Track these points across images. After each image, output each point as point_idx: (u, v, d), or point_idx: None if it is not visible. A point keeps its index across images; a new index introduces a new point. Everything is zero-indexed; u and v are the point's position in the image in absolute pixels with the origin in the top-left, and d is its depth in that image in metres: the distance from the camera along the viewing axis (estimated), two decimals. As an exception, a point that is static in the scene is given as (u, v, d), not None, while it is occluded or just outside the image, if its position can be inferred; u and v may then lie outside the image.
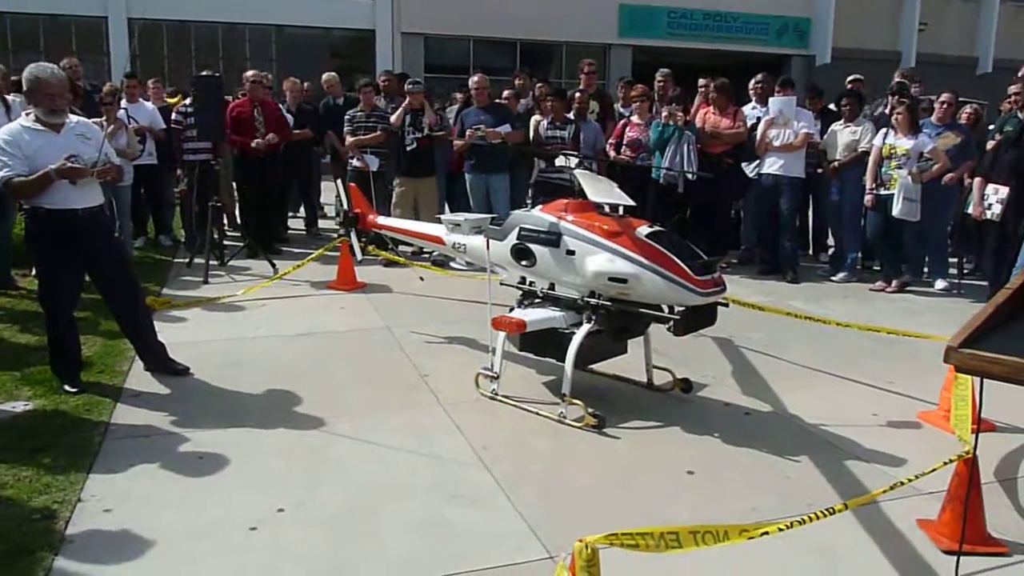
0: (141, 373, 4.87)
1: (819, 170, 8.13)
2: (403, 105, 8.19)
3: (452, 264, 7.66)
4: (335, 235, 8.33)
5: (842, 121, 7.93)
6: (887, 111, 8.14)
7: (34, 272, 5.50)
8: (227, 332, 5.83)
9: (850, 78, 9.05)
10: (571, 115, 8.03)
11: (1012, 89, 8.07)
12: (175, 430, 4.08)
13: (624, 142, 8.18)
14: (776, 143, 7.82)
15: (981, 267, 8.03)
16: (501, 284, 4.90)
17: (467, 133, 7.91)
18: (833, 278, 7.98)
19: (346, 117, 8.49)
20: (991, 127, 8.27)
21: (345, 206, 6.17)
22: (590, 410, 4.14)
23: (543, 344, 4.50)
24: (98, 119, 6.39)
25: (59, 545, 2.98)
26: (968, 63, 23.55)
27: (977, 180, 6.95)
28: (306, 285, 7.29)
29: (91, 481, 3.49)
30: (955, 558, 2.73)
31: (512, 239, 4.57)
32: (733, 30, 22.52)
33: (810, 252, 9.11)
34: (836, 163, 7.84)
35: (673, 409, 4.46)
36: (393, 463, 3.75)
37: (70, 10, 18.62)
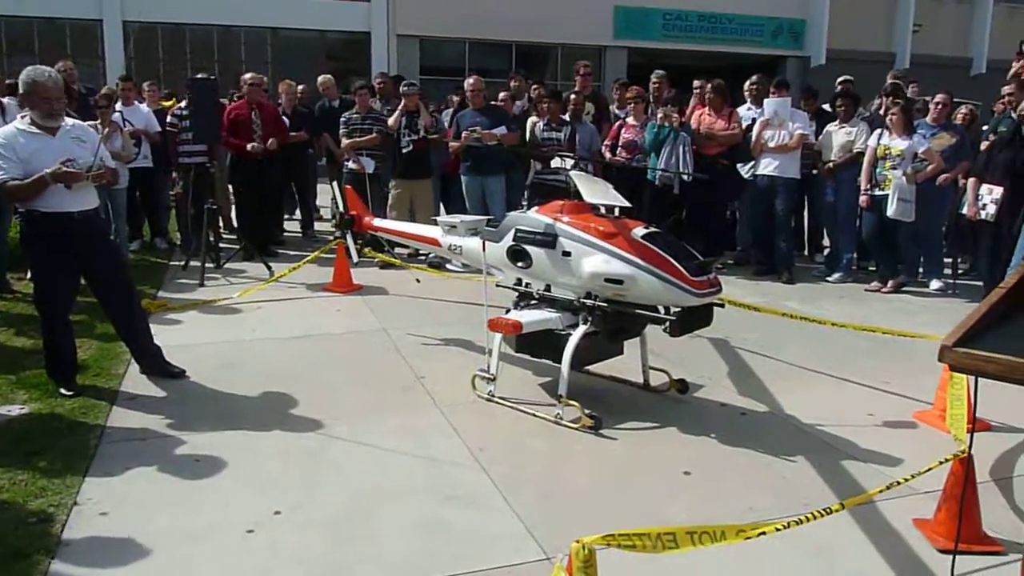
0: (137, 376, 4.86)
1: (814, 171, 8.15)
2: (399, 107, 8.20)
3: (448, 266, 7.65)
4: (331, 237, 8.32)
5: (837, 122, 7.95)
6: (881, 112, 8.17)
7: (29, 275, 5.50)
8: (223, 335, 5.82)
9: (840, 79, 9.08)
10: (567, 117, 8.04)
11: (1005, 90, 8.10)
12: (171, 433, 4.07)
13: (619, 143, 8.20)
14: (771, 144, 7.83)
15: (976, 267, 8.06)
16: (497, 286, 4.90)
17: (463, 135, 7.92)
18: (828, 279, 8.00)
19: (342, 119, 8.49)
20: (984, 128, 8.29)
21: (341, 208, 6.17)
22: (587, 411, 4.15)
23: (539, 345, 4.50)
24: (93, 122, 6.39)
25: (55, 548, 2.98)
26: (962, 64, 23.62)
27: (971, 180, 6.97)
28: (302, 287, 7.29)
29: (87, 484, 3.49)
30: (951, 557, 2.74)
31: (508, 241, 4.57)
32: (728, 31, 22.55)
33: (805, 253, 9.13)
34: (831, 164, 7.86)
35: (669, 410, 4.46)
36: (390, 465, 3.75)
37: (65, 13, 18.57)
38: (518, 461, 3.81)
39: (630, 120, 8.25)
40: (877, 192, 7.36)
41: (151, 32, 19.04)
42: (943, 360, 1.96)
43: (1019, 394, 2.11)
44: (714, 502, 3.44)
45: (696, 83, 8.73)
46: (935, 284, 7.59)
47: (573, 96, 8.31)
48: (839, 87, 8.79)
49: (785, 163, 7.83)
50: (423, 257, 8.05)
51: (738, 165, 8.24)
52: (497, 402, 4.49)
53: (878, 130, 7.51)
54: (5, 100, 6.60)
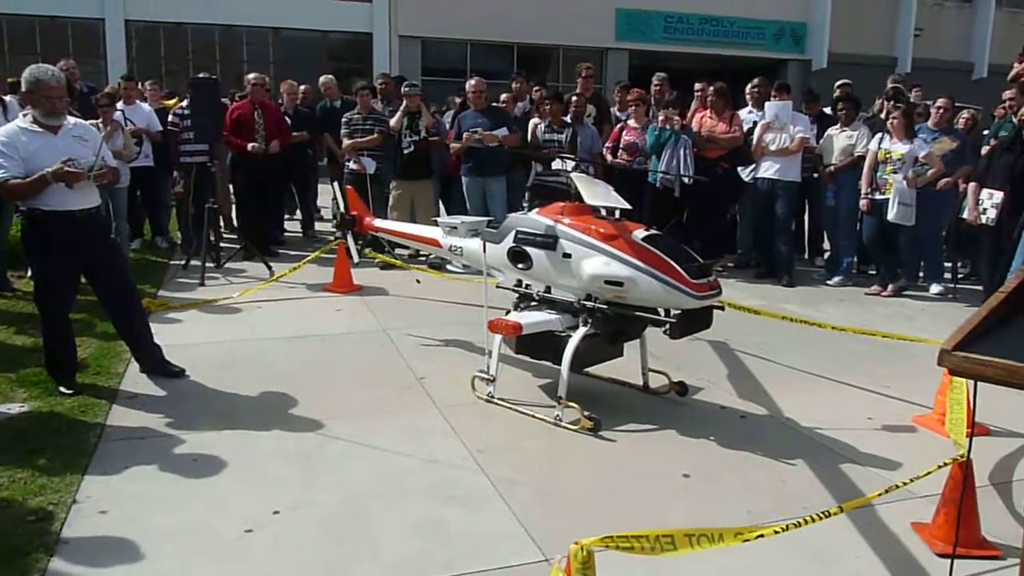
0: (137, 375, 4.87)
1: (815, 174, 8.15)
2: (401, 108, 8.20)
3: (448, 267, 7.66)
4: (331, 238, 8.33)
5: (838, 125, 7.96)
6: (882, 115, 8.17)
7: (30, 274, 5.50)
8: (223, 334, 5.83)
9: (839, 83, 9.09)
10: (568, 119, 8.04)
11: (1007, 94, 8.11)
12: (171, 432, 4.07)
13: (621, 146, 8.20)
14: (772, 147, 7.84)
15: (976, 271, 8.06)
16: (497, 287, 4.91)
17: (464, 136, 7.93)
18: (829, 282, 8.00)
19: (343, 120, 8.50)
20: (985, 132, 8.30)
21: (342, 208, 6.17)
22: (586, 413, 4.15)
23: (539, 347, 4.51)
24: (95, 121, 6.40)
25: (54, 546, 2.98)
26: (964, 68, 23.64)
27: (972, 185, 6.98)
28: (302, 287, 7.29)
29: (86, 483, 3.49)
30: (949, 561, 2.73)
31: (508, 242, 4.58)
32: (730, 34, 22.56)
33: (806, 256, 9.13)
34: (832, 167, 7.87)
35: (669, 412, 4.47)
36: (389, 465, 3.75)
37: (67, 12, 18.59)
38: (517, 462, 3.81)
39: (631, 122, 8.26)
40: (878, 196, 7.36)
41: (153, 31, 19.05)
42: (942, 364, 1.97)
43: (1019, 399, 2.11)
44: (713, 505, 3.44)
45: (697, 86, 8.74)
46: (935, 288, 7.59)
47: (574, 98, 8.31)
48: (837, 91, 8.81)
49: (786, 166, 7.83)
50: (423, 258, 8.05)
51: (738, 168, 8.25)
52: (496, 403, 4.49)
53: (879, 134, 7.52)
54: (7, 98, 6.60)
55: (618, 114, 9.00)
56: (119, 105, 8.27)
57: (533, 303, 4.66)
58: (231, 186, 9.23)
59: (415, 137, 8.12)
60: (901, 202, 7.12)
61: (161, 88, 10.24)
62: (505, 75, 12.36)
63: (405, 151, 8.16)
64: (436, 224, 5.46)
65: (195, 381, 4.82)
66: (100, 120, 7.20)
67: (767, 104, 8.05)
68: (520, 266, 4.56)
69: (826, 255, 8.68)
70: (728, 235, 8.87)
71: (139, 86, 9.31)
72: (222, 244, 8.37)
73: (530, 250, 4.46)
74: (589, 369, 4.78)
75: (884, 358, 5.47)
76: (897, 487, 3.04)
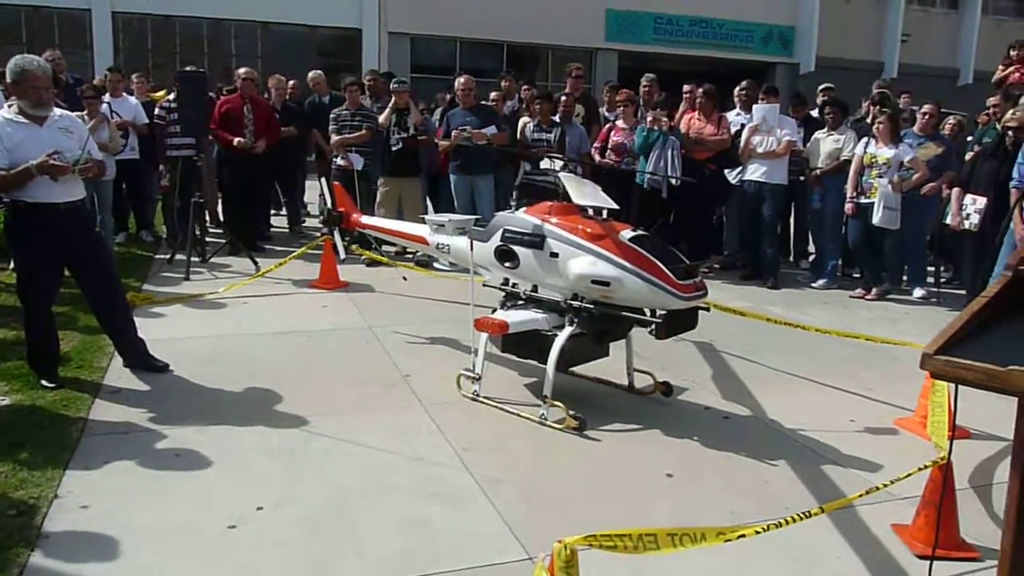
0: (120, 369, 4.84)
1: (801, 177, 8.20)
2: (390, 105, 8.19)
3: (435, 264, 7.65)
4: (318, 234, 8.31)
5: (825, 129, 8.01)
6: (869, 120, 8.23)
7: (12, 266, 5.46)
8: (208, 329, 5.80)
9: (821, 87, 9.15)
10: (557, 118, 8.05)
11: (991, 101, 8.19)
12: (154, 427, 4.05)
13: (609, 146, 8.22)
14: (759, 150, 7.87)
15: (959, 276, 8.13)
16: (484, 285, 4.91)
17: (452, 134, 7.92)
18: (813, 285, 8.05)
19: (331, 115, 8.48)
20: (969, 138, 8.37)
21: (329, 204, 6.16)
22: (571, 412, 4.16)
23: (525, 346, 4.51)
24: (80, 113, 6.35)
25: (35, 541, 2.96)
26: (949, 74, 23.83)
27: (955, 190, 7.03)
28: (288, 283, 7.27)
29: (68, 477, 3.47)
30: (928, 563, 2.76)
31: (496, 240, 4.58)
32: (719, 37, 22.64)
33: (791, 259, 9.18)
34: (818, 171, 7.91)
35: (653, 412, 4.48)
36: (373, 463, 3.74)
37: (53, 2, 18.40)
38: (502, 461, 3.82)
39: (620, 123, 8.28)
40: (863, 200, 7.41)
41: (140, 23, 18.91)
42: (924, 367, 1.99)
43: (999, 403, 2.13)
44: (696, 504, 3.46)
45: (686, 88, 8.77)
46: (918, 292, 7.65)
47: (563, 98, 8.33)
48: (820, 95, 8.87)
49: (772, 169, 7.87)
50: (410, 255, 8.04)
51: (725, 170, 8.28)
52: (482, 402, 4.49)
53: (865, 138, 7.57)
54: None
55: (607, 114, 9.03)
56: (105, 97, 8.22)
57: (520, 302, 4.66)
58: (217, 180, 9.18)
59: (403, 134, 8.11)
60: (886, 206, 7.18)
61: (148, 81, 10.17)
62: (494, 74, 12.38)
63: (393, 148, 8.14)
64: (423, 222, 5.45)
65: (179, 376, 4.80)
66: (86, 112, 7.15)
67: (755, 107, 8.08)
68: (507, 265, 4.57)
69: (811, 258, 8.73)
70: (714, 237, 8.91)
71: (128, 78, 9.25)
72: (208, 239, 8.33)
73: (517, 249, 4.46)
74: (575, 368, 4.79)
75: (867, 361, 5.51)
76: (878, 489, 3.08)
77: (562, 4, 20.62)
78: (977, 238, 6.85)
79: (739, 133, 8.10)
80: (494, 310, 4.60)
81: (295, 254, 7.48)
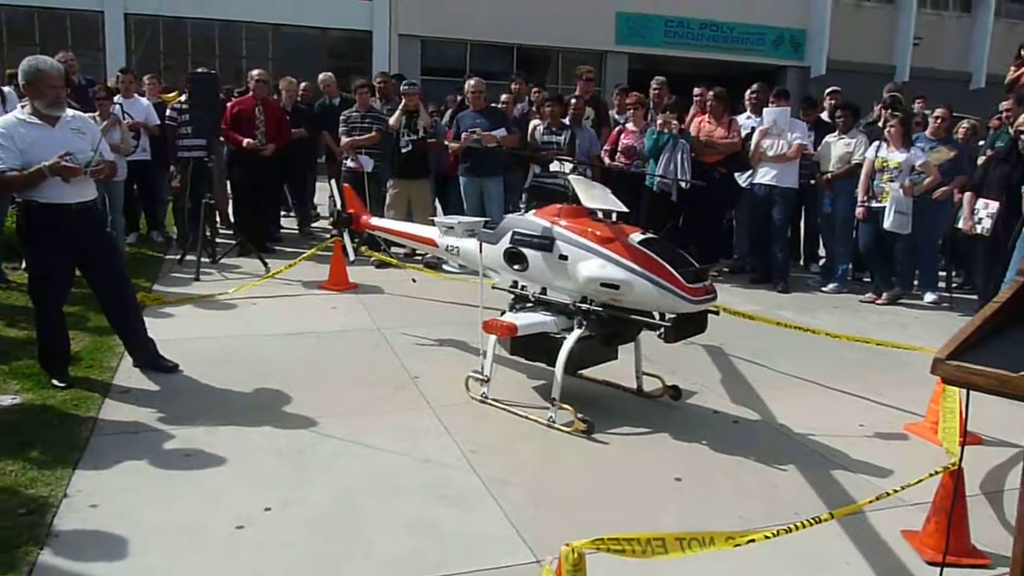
0: (130, 369, 4.86)
1: (812, 181, 8.17)
2: (400, 107, 8.20)
3: (445, 267, 7.66)
4: (328, 235, 8.32)
5: (836, 133, 7.98)
6: (880, 124, 8.19)
7: (24, 266, 5.48)
8: (218, 330, 5.82)
9: (828, 90, 9.11)
10: (567, 121, 8.05)
11: (1003, 105, 8.13)
12: (163, 427, 4.07)
13: (619, 149, 8.21)
14: (770, 153, 7.85)
15: (970, 281, 8.08)
16: (493, 288, 4.91)
17: (462, 136, 7.93)
18: (823, 289, 8.02)
19: (341, 117, 8.49)
20: (981, 143, 8.33)
21: (339, 206, 6.17)
22: (579, 415, 4.15)
23: (534, 348, 4.51)
24: (92, 114, 6.38)
25: (45, 539, 2.98)
26: (961, 78, 23.73)
27: (967, 195, 6.99)
28: (298, 284, 7.29)
29: (78, 476, 3.48)
30: (939, 569, 2.74)
31: (505, 243, 4.58)
32: (729, 40, 22.61)
33: (801, 263, 9.15)
34: (829, 174, 7.89)
35: (662, 416, 4.47)
36: (382, 464, 3.75)
37: (66, 4, 18.53)
38: (510, 463, 3.81)
39: (630, 126, 8.26)
40: (874, 204, 7.38)
41: (153, 25, 19.01)
42: (935, 372, 1.98)
43: (1011, 409, 2.12)
44: (704, 509, 3.45)
45: (697, 91, 8.75)
46: (929, 297, 7.61)
47: (574, 100, 8.33)
48: (827, 98, 8.83)
49: (783, 172, 7.85)
50: (420, 257, 8.05)
51: (735, 174, 8.26)
52: (490, 404, 4.49)
53: (876, 142, 7.54)
54: (6, 89, 6.59)
55: (617, 117, 9.01)
56: (117, 99, 8.26)
57: (528, 304, 4.66)
58: (228, 182, 9.22)
59: (413, 136, 8.12)
60: (897, 210, 7.14)
61: (160, 82, 10.22)
62: (504, 76, 12.37)
63: (403, 150, 8.16)
64: (433, 223, 5.46)
65: (189, 376, 4.81)
66: (98, 113, 7.19)
67: (765, 110, 8.07)
68: (516, 267, 4.57)
69: (822, 262, 8.69)
70: (724, 240, 8.89)
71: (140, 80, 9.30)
72: (218, 240, 8.36)
73: (526, 251, 4.46)
74: (583, 371, 4.78)
75: (877, 365, 5.48)
76: (888, 494, 3.05)
77: (572, 7, 20.63)
78: (989, 243, 6.81)
79: (749, 136, 8.07)
80: (503, 312, 4.60)
81: (305, 255, 7.50)
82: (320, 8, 19.49)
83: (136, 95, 8.87)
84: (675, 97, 8.77)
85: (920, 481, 3.12)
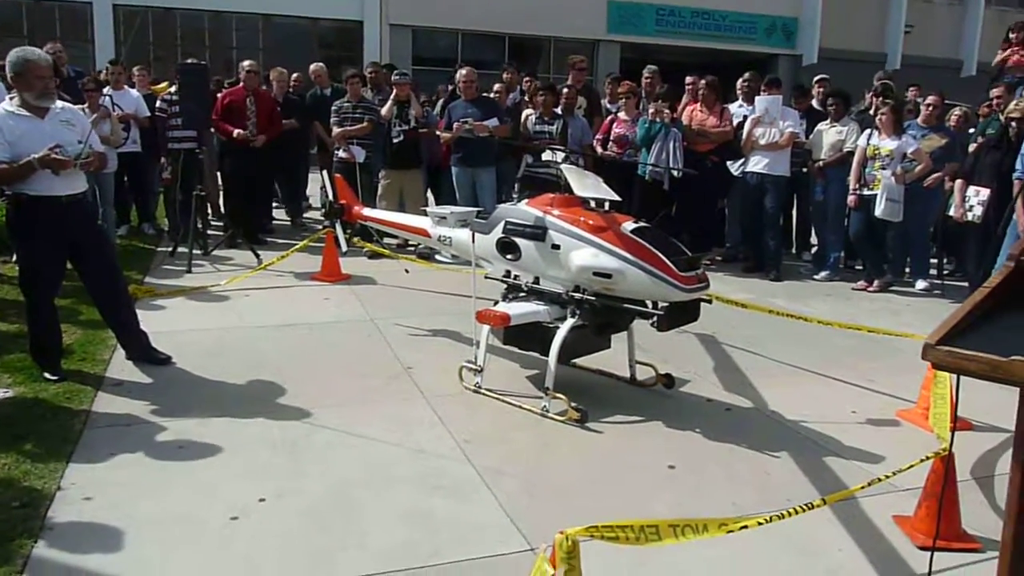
0: (123, 362, 4.85)
1: (804, 169, 8.18)
2: (391, 97, 8.18)
3: (437, 257, 7.65)
4: (320, 226, 8.30)
5: (828, 121, 7.99)
6: (872, 112, 8.20)
7: (15, 259, 5.46)
8: (210, 321, 5.81)
9: (817, 78, 9.12)
10: (559, 110, 8.04)
11: (994, 92, 8.15)
12: (156, 419, 4.06)
13: (611, 138, 8.20)
14: (762, 141, 7.86)
15: (961, 268, 8.12)
16: (486, 277, 4.91)
17: (454, 126, 7.91)
18: (816, 277, 8.04)
19: (333, 108, 8.46)
20: (971, 130, 8.35)
21: (331, 197, 6.16)
22: (573, 404, 4.16)
23: (527, 338, 4.51)
24: (81, 105, 6.34)
25: (39, 532, 2.97)
26: (953, 66, 23.74)
27: (958, 182, 7.02)
28: (290, 276, 7.27)
29: (71, 469, 3.48)
30: (929, 554, 2.77)
31: (498, 233, 4.57)
32: (721, 28, 22.57)
33: (793, 251, 9.17)
34: (821, 162, 7.90)
35: (655, 404, 4.49)
36: (375, 454, 3.75)
37: (55, -5, 18.42)
38: (504, 453, 3.82)
39: (622, 115, 8.25)
40: (866, 191, 7.39)
41: (142, 16, 18.88)
42: (926, 358, 1.98)
43: (1002, 394, 2.13)
44: (697, 496, 3.47)
45: (688, 79, 8.74)
46: (921, 284, 7.64)
47: (566, 90, 8.31)
48: (816, 86, 8.83)
49: (775, 161, 7.86)
50: (412, 247, 8.04)
51: (727, 162, 8.26)
52: (484, 394, 4.50)
53: (868, 130, 7.55)
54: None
55: (609, 106, 9.00)
56: (106, 90, 8.21)
57: (521, 294, 4.66)
58: (219, 173, 9.18)
59: (404, 126, 8.10)
60: (889, 198, 7.16)
61: (149, 74, 10.16)
62: (496, 65, 12.36)
63: (394, 140, 8.14)
64: (425, 214, 5.45)
65: (181, 368, 4.80)
66: (87, 105, 7.15)
67: (757, 98, 8.06)
68: (509, 257, 4.57)
69: (814, 250, 8.71)
70: (716, 229, 8.90)
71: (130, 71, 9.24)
72: (209, 231, 8.33)
73: (519, 241, 4.46)
74: (576, 360, 4.79)
75: (869, 352, 5.51)
76: (880, 480, 3.08)
77: (564, -4, 20.57)
78: (980, 230, 6.84)
79: (741, 125, 8.08)
80: (496, 302, 4.60)
81: (297, 247, 7.47)
82: (310, -2, 19.38)
83: (126, 87, 8.81)
84: (667, 86, 8.73)
85: (911, 467, 3.14)
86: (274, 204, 10.16)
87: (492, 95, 8.75)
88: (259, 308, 6.22)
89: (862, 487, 3.05)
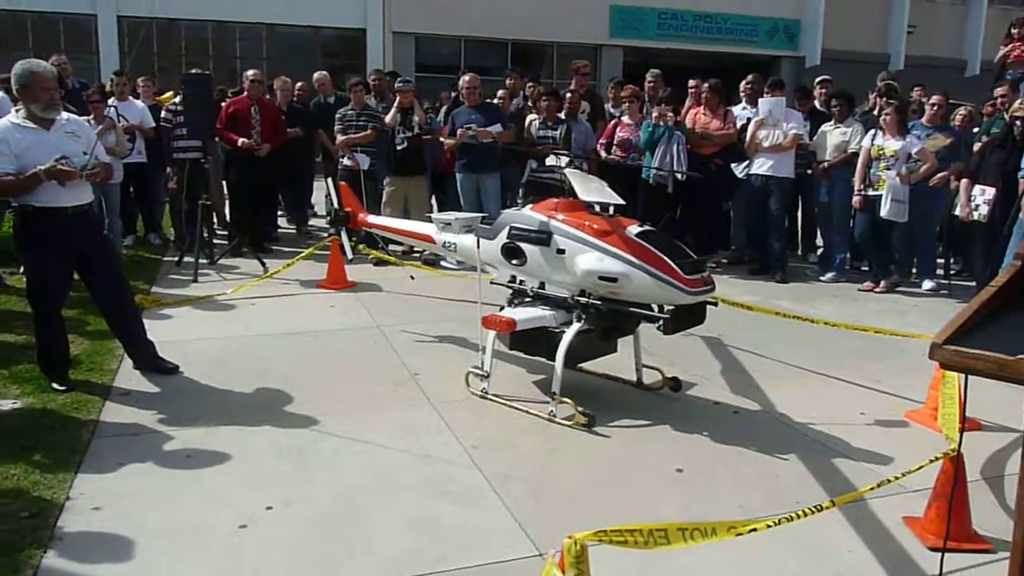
0: (130, 371, 4.86)
1: (808, 171, 8.17)
2: (395, 104, 8.19)
3: (442, 263, 7.66)
4: (325, 234, 8.32)
5: (832, 122, 7.98)
6: (876, 112, 8.19)
7: (22, 270, 5.48)
8: (217, 330, 5.82)
9: (818, 79, 9.11)
10: (562, 115, 8.05)
11: (998, 91, 8.14)
12: (164, 428, 4.07)
13: (615, 142, 8.21)
14: (766, 144, 7.85)
15: (968, 268, 8.09)
16: (491, 283, 4.91)
17: (458, 132, 7.92)
18: (821, 278, 8.02)
19: (337, 116, 8.49)
20: (976, 130, 8.33)
21: (336, 205, 6.17)
22: (580, 408, 4.16)
23: (533, 343, 4.51)
24: (87, 117, 6.37)
25: (48, 542, 2.98)
26: (956, 65, 23.70)
27: (964, 181, 7.00)
28: (296, 284, 7.28)
29: (80, 479, 3.49)
30: (940, 555, 2.75)
31: (502, 238, 4.58)
32: (723, 31, 22.58)
33: (799, 252, 9.15)
34: (825, 164, 7.89)
35: (662, 408, 4.48)
36: (382, 461, 3.75)
37: (59, 7, 18.47)
38: (511, 458, 3.82)
39: (625, 119, 8.26)
40: (871, 192, 7.38)
41: (146, 27, 18.96)
42: (933, 357, 1.98)
43: (1010, 393, 2.12)
44: (706, 499, 3.46)
45: (692, 82, 8.75)
46: (927, 284, 7.62)
47: (569, 95, 8.32)
48: (818, 87, 8.82)
49: (779, 163, 7.85)
50: (417, 254, 8.05)
51: (732, 164, 8.26)
52: (490, 399, 4.49)
53: (872, 130, 7.53)
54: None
55: (612, 110, 9.01)
56: (111, 101, 8.25)
57: (527, 299, 4.66)
58: (224, 182, 9.21)
59: (408, 133, 8.12)
60: (894, 198, 7.14)
61: (154, 84, 10.20)
62: (499, 71, 12.38)
63: (398, 147, 8.16)
64: (430, 220, 5.46)
65: (189, 378, 4.81)
66: (92, 116, 7.18)
67: (761, 100, 8.06)
68: (514, 262, 4.57)
69: (819, 251, 8.70)
70: (721, 231, 8.89)
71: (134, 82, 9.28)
72: (215, 240, 8.35)
73: (524, 246, 4.46)
74: (583, 365, 4.78)
75: (876, 353, 5.49)
76: (889, 481, 3.06)
77: (566, 1, 20.59)
78: (986, 229, 6.82)
79: (745, 127, 8.07)
80: (501, 308, 4.60)
81: (302, 255, 7.49)
82: (313, 7, 19.44)
83: (131, 98, 8.85)
84: (670, 89, 8.75)
85: (921, 467, 3.13)
86: (278, 212, 10.18)
87: (495, 101, 8.76)
88: (265, 316, 6.24)
89: (871, 488, 3.04)
